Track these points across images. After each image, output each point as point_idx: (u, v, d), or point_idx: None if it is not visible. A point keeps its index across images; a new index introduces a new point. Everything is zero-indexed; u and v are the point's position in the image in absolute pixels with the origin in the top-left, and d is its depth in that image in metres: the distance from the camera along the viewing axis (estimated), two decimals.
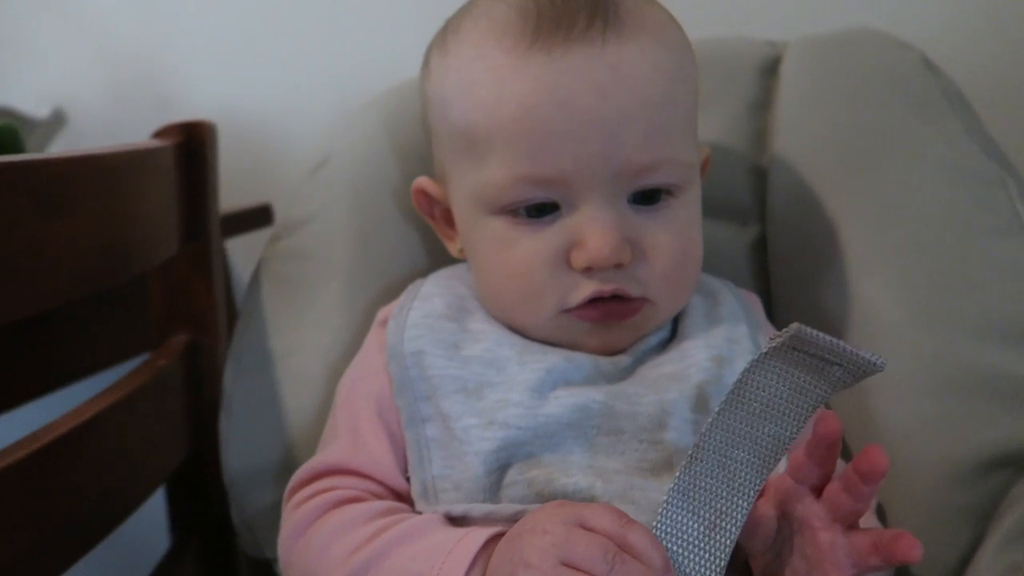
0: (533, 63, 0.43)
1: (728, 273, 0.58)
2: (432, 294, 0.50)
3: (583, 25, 0.43)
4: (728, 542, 0.35)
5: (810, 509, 0.37)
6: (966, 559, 0.45)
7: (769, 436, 0.35)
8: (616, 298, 0.46)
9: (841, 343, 0.33)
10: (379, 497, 0.44)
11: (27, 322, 0.64)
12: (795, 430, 0.35)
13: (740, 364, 0.47)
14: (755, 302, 0.55)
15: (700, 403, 0.45)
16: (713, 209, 0.61)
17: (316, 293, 0.58)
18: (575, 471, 0.42)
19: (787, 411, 0.35)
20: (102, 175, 0.52)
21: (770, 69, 0.63)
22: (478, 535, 0.38)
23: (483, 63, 0.45)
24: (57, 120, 0.98)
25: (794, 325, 0.33)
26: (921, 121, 0.55)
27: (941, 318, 0.49)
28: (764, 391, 0.35)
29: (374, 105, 0.66)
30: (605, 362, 0.47)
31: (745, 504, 0.35)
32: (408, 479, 0.45)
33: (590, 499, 0.41)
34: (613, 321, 0.47)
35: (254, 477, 0.54)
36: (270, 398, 0.56)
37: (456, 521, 0.41)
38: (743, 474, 0.35)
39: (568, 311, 0.46)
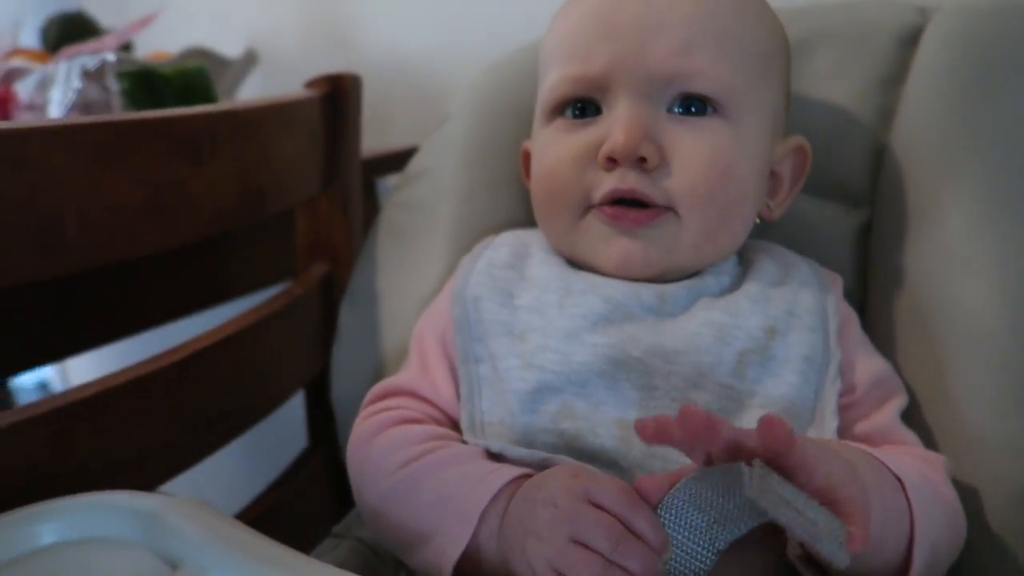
0: None
1: (827, 255, 0.56)
2: (502, 244, 0.53)
3: None
4: (728, 537, 0.35)
5: None
6: None
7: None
8: (638, 204, 0.47)
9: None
10: (436, 421, 0.49)
11: (192, 249, 0.75)
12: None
13: (793, 338, 0.47)
14: (834, 280, 0.52)
15: (738, 371, 0.45)
16: (823, 188, 0.59)
17: (421, 242, 0.63)
18: (602, 430, 0.44)
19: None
20: (240, 127, 0.60)
21: (910, 39, 0.58)
22: (506, 472, 0.41)
23: (567, 4, 0.52)
24: (249, 60, 1.07)
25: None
26: None
27: None
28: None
29: (498, 65, 0.69)
30: (648, 294, 0.47)
31: (749, 521, 0.35)
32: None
33: (612, 463, 0.43)
34: (630, 224, 0.47)
35: (355, 401, 0.61)
36: (373, 333, 0.62)
37: (494, 456, 0.45)
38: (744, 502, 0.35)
39: (589, 210, 0.48)
